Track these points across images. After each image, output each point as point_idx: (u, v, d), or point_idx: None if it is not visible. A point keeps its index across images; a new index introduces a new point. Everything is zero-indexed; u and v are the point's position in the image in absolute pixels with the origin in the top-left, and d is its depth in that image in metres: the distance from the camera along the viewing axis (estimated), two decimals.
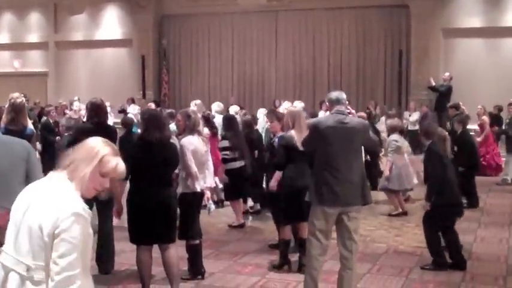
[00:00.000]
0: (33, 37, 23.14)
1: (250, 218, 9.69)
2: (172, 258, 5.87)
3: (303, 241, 6.81)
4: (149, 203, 5.67)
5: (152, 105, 16.00)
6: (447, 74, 17.47)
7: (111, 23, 22.07)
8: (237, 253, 7.83)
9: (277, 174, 7.05)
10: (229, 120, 9.54)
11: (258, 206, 10.15)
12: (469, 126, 14.68)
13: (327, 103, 5.97)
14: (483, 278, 6.89)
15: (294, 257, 7.08)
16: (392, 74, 19.03)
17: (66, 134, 8.66)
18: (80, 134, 6.62)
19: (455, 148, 10.97)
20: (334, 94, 5.74)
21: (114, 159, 2.95)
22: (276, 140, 7.21)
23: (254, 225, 9.44)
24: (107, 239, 6.80)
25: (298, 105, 13.20)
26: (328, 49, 19.83)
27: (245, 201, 10.03)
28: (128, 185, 5.88)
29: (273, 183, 7.11)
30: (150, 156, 5.69)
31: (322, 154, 5.55)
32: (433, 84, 17.39)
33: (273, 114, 7.88)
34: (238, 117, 11.13)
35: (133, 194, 5.79)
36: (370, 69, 19.38)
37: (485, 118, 14.46)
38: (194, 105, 11.27)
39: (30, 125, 7.60)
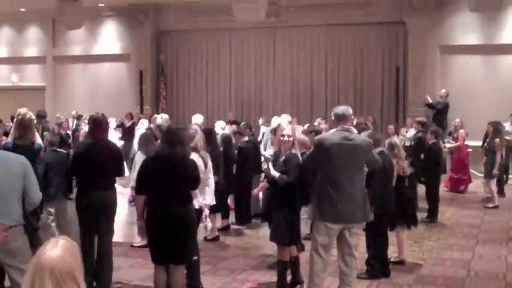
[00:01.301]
0: (31, 51, 23.18)
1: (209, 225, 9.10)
2: (178, 283, 5.81)
3: (296, 258, 6.82)
4: (162, 220, 5.57)
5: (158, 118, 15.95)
6: (443, 90, 17.51)
7: (109, 38, 22.13)
8: (235, 269, 7.80)
9: (264, 184, 7.10)
10: (208, 134, 9.22)
11: (228, 222, 10.26)
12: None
13: (333, 117, 5.93)
14: None
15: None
16: (389, 91, 19.06)
17: (49, 148, 8.55)
18: (80, 154, 6.68)
19: (422, 156, 11.26)
20: (340, 109, 5.74)
21: None
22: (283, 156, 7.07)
23: (252, 241, 9.42)
24: (104, 254, 6.77)
25: (286, 118, 13.26)
26: (326, 65, 19.89)
27: (227, 216, 10.21)
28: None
29: (257, 192, 7.17)
30: (162, 172, 5.60)
31: (326, 170, 5.56)
32: (430, 101, 17.42)
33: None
34: (220, 133, 11.13)
35: (149, 211, 5.70)
36: (368, 86, 19.41)
37: (462, 132, 14.55)
38: (160, 119, 11.18)
39: (38, 139, 7.64)
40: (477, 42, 17.91)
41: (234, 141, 10.77)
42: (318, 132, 9.71)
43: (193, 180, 5.84)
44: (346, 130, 5.64)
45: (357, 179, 5.60)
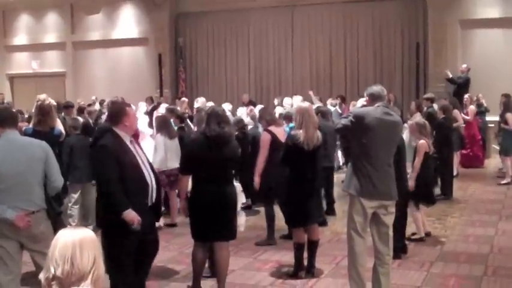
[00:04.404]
0: (50, 38, 23.29)
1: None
2: (226, 258, 5.90)
3: (313, 243, 6.80)
4: (212, 199, 5.62)
5: (185, 100, 15.85)
6: (464, 65, 17.30)
7: (128, 22, 22.14)
8: (257, 250, 7.85)
9: (259, 169, 7.55)
10: None
11: (249, 202, 10.51)
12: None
13: (367, 97, 5.81)
14: (505, 271, 6.85)
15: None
16: (409, 67, 18.88)
17: (73, 133, 8.70)
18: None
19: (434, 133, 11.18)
20: (376, 89, 5.66)
21: None
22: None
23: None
24: None
25: (299, 99, 13.30)
26: (345, 43, 19.73)
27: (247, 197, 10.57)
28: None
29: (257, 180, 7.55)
30: (210, 152, 5.64)
31: (365, 145, 5.43)
32: (450, 76, 17.26)
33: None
34: (229, 114, 11.22)
35: (195, 190, 5.76)
36: (388, 62, 19.25)
37: (472, 107, 14.36)
38: (196, 102, 11.35)
39: (58, 125, 7.71)
40: (498, 15, 17.58)
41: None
42: (323, 112, 9.71)
43: (237, 160, 6.01)
44: (386, 106, 5.62)
45: (392, 155, 5.56)
